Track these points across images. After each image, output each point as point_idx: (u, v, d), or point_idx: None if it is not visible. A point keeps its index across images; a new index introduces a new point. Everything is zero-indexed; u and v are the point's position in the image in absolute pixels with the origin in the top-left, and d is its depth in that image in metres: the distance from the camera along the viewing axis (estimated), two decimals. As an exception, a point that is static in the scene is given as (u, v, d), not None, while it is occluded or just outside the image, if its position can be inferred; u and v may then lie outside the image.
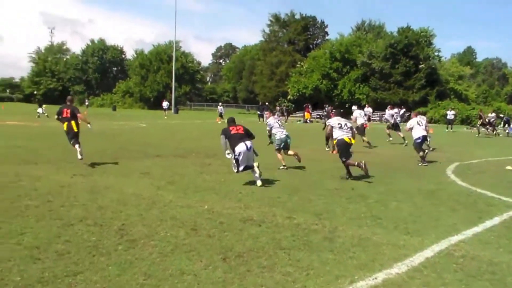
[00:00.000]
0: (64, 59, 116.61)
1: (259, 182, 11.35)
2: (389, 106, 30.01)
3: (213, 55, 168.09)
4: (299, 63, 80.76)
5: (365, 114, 27.20)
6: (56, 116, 14.81)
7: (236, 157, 11.46)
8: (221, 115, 49.40)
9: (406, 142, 22.36)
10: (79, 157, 13.76)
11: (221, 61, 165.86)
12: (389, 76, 66.53)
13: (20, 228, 7.09)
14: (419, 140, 16.81)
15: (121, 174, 12.50)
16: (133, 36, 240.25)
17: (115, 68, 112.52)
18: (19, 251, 6.11)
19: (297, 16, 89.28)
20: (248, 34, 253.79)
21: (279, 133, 14.38)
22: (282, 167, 14.32)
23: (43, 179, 11.33)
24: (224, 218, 8.10)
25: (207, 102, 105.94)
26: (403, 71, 65.35)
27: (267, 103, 63.96)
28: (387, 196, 10.70)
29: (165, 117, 50.94)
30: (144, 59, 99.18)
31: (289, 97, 77.18)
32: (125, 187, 10.62)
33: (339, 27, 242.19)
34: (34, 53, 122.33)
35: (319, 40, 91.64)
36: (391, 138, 25.20)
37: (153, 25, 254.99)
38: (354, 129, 13.99)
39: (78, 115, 14.32)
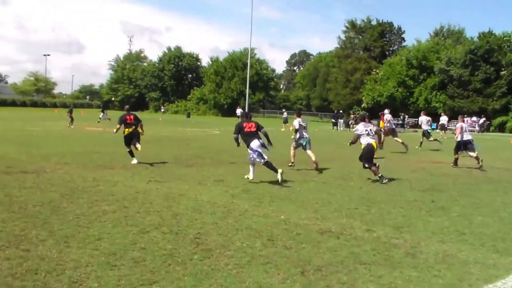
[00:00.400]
0: (142, 67, 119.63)
1: (251, 176, 12.81)
2: (422, 112, 30.78)
3: (287, 62, 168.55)
4: (374, 70, 79.54)
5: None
6: (119, 122, 16.15)
7: (256, 150, 12.52)
8: (285, 122, 48.82)
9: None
10: (138, 147, 15.52)
11: (295, 68, 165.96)
12: (468, 84, 64.37)
13: (97, 233, 7.11)
14: (463, 143, 17.73)
15: (196, 181, 12.47)
16: (208, 43, 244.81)
17: (190, 75, 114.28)
18: (96, 256, 6.09)
19: (374, 22, 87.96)
20: (323, 41, 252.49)
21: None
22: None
23: (120, 185, 11.46)
24: (301, 229, 7.86)
25: (280, 109, 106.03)
26: (483, 78, 63.06)
27: (341, 111, 63.24)
28: (470, 209, 10.15)
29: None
30: (219, 66, 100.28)
31: (363, 105, 76.06)
32: (200, 194, 10.56)
33: (416, 33, 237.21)
34: (113, 61, 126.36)
35: (396, 47, 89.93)
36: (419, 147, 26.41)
37: (228, 32, 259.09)
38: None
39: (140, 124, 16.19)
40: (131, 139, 15.67)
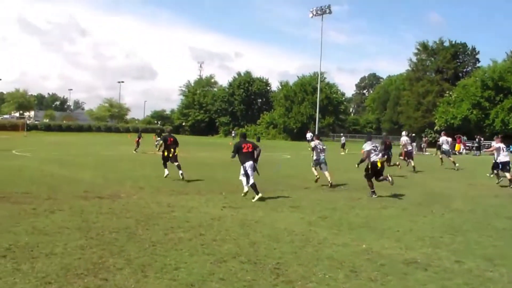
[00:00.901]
0: (212, 92, 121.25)
1: (245, 188, 13.98)
2: (442, 132, 32.52)
3: (357, 85, 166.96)
4: (447, 92, 77.32)
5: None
6: (162, 144, 18.86)
7: (246, 170, 13.89)
8: (343, 146, 47.60)
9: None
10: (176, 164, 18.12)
11: (364, 91, 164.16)
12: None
13: (174, 263, 6.94)
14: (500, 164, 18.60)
15: (270, 207, 12.20)
16: (277, 67, 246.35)
17: (260, 100, 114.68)
18: (174, 287, 5.90)
19: (446, 44, 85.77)
20: (393, 64, 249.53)
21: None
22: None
23: (195, 211, 11.34)
24: (384, 259, 7.43)
25: (350, 133, 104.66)
26: None
27: (413, 134, 61.71)
28: None
29: (309, 149, 49.90)
30: (289, 91, 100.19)
31: (436, 128, 73.96)
32: (276, 221, 10.27)
33: (491, 53, 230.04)
34: (184, 87, 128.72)
35: (469, 68, 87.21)
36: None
37: (296, 57, 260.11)
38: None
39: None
40: (167, 160, 18.14)
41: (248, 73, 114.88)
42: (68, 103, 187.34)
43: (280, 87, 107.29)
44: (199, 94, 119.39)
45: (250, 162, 13.93)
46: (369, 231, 9.59)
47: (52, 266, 6.67)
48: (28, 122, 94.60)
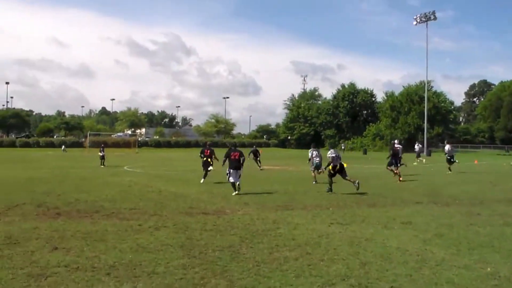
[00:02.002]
0: (316, 105, 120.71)
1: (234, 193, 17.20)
2: (446, 141, 34.23)
3: (466, 93, 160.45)
4: None
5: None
6: (200, 155, 23.12)
7: (228, 173, 17.93)
8: (418, 156, 44.02)
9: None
10: (210, 168, 22.64)
11: (475, 99, 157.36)
12: None
13: (279, 285, 6.55)
14: None
15: (381, 223, 11.48)
16: (381, 78, 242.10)
17: (365, 111, 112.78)
18: (279, 314, 5.47)
19: None
20: (506, 69, 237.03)
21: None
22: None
23: (300, 227, 10.87)
24: (514, 286, 6.59)
25: (461, 143, 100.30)
26: None
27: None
28: None
29: (419, 161, 47.02)
30: (395, 101, 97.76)
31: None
32: (388, 239, 9.57)
33: None
34: (288, 100, 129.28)
35: None
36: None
37: (400, 66, 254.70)
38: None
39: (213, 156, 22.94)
40: (205, 166, 22.48)
41: (352, 85, 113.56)
42: (176, 120, 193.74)
43: (386, 98, 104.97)
44: (303, 107, 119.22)
45: (235, 170, 17.71)
46: (493, 251, 8.66)
47: (153, 286, 6.47)
48: (139, 139, 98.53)
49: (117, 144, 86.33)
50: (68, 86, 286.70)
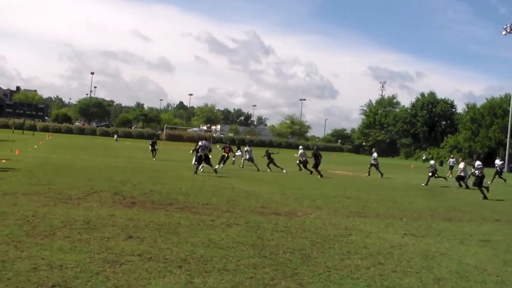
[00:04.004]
0: (394, 112, 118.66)
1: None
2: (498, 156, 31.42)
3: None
4: None
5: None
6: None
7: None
8: (499, 173, 40.34)
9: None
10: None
11: None
12: None
13: (349, 293, 6.40)
14: None
15: (457, 239, 11.10)
16: (461, 88, 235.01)
17: (444, 122, 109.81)
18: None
19: None
20: None
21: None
22: None
23: (373, 236, 10.67)
24: None
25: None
26: None
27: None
28: None
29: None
30: (476, 113, 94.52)
31: None
32: (464, 256, 9.22)
33: None
34: (365, 106, 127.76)
35: None
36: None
37: (483, 78, 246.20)
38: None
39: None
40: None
41: (431, 94, 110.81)
42: (251, 119, 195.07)
43: (466, 109, 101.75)
44: (380, 114, 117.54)
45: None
46: None
47: (223, 283, 6.48)
48: (214, 135, 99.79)
49: (192, 139, 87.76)
50: (148, 78, 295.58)
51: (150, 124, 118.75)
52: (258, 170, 29.79)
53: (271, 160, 31.03)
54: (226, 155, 30.47)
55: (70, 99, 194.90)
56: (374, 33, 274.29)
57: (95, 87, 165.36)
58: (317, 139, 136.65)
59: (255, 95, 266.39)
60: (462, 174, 26.92)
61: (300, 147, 32.64)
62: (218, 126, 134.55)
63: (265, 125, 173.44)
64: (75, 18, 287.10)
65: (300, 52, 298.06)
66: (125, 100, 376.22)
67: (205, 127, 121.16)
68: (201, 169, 24.47)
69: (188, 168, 27.04)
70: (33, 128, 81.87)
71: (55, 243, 7.83)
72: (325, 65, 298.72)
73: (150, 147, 35.34)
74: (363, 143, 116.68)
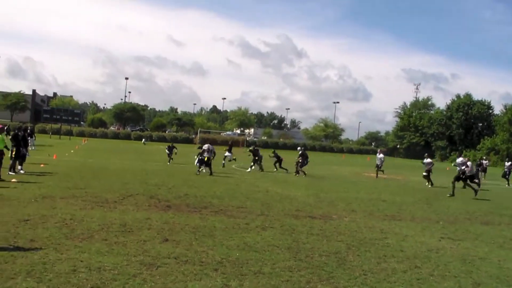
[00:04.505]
0: (429, 114, 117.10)
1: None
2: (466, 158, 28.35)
3: None
4: None
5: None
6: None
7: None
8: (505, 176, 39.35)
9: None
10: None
11: None
12: None
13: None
14: None
15: (496, 242, 10.90)
16: (498, 90, 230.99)
17: (481, 124, 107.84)
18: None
19: None
20: None
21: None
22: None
23: (409, 239, 10.55)
24: None
25: None
26: None
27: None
28: None
29: None
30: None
31: None
32: (505, 260, 9.04)
33: None
34: (399, 108, 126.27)
35: None
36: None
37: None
38: None
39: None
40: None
41: (467, 96, 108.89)
42: (285, 122, 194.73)
43: (504, 111, 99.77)
44: (415, 116, 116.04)
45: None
46: None
47: (259, 286, 6.50)
48: (247, 138, 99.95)
49: (225, 143, 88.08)
50: (181, 83, 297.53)
51: (184, 128, 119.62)
52: (262, 170, 30.06)
53: (278, 160, 31.01)
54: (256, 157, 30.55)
55: (105, 104, 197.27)
56: (407, 35, 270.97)
57: (129, 92, 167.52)
58: (350, 142, 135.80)
59: (288, 98, 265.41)
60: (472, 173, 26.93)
61: (298, 148, 32.08)
62: (252, 130, 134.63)
63: (299, 128, 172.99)
64: (109, 24, 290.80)
65: (333, 55, 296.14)
66: (159, 104, 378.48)
67: (238, 131, 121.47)
68: (203, 170, 24.80)
69: (222, 171, 27.17)
70: (69, 133, 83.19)
71: (93, 246, 7.94)
72: (358, 67, 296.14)
73: (167, 151, 34.23)
74: (398, 146, 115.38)
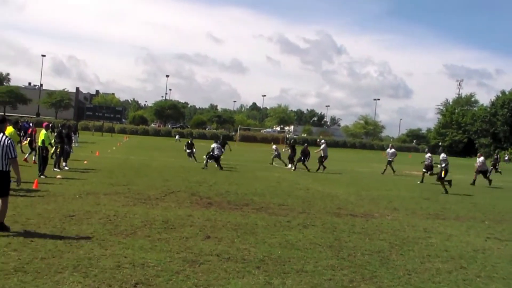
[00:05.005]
0: (472, 111, 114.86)
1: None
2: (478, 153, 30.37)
3: None
4: None
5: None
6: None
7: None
8: None
9: None
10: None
11: None
12: None
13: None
14: None
15: (545, 243, 10.61)
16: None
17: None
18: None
19: None
20: None
21: None
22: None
23: (454, 239, 10.35)
24: None
25: None
26: None
27: None
28: None
29: None
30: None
31: None
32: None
33: None
34: (441, 105, 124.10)
35: None
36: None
37: None
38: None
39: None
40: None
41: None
42: (325, 119, 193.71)
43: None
44: (457, 113, 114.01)
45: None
46: None
47: (302, 284, 6.46)
48: (287, 136, 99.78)
49: (265, 140, 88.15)
50: (221, 80, 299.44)
51: (224, 125, 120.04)
52: (286, 165, 30.31)
53: (295, 154, 30.48)
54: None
55: (146, 101, 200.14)
56: (449, 30, 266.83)
57: (170, 89, 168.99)
58: (391, 139, 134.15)
59: (327, 95, 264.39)
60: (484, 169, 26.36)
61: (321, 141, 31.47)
62: (292, 127, 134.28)
63: (339, 125, 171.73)
64: (150, 22, 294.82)
65: (373, 51, 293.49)
66: (199, 101, 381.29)
67: (278, 128, 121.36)
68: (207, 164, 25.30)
69: (263, 168, 27.20)
70: (111, 130, 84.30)
71: (136, 242, 8.03)
72: (399, 64, 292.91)
73: (185, 149, 32.19)
74: (440, 143, 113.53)
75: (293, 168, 28.43)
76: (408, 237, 10.19)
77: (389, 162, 30.57)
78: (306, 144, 31.64)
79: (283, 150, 34.23)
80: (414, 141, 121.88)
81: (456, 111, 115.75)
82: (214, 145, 26.11)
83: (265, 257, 7.67)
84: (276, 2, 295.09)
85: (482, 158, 26.89)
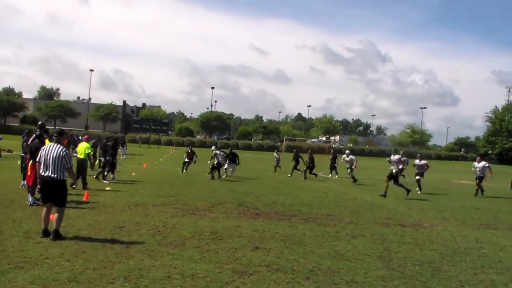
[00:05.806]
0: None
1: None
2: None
3: None
4: None
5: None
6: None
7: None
8: None
9: None
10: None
11: None
12: None
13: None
14: None
15: None
16: None
17: None
18: None
19: None
20: None
21: None
22: None
23: (508, 250, 10.11)
24: None
25: None
26: None
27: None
28: None
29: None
30: None
31: None
32: None
33: None
34: (490, 113, 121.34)
35: None
36: None
37: None
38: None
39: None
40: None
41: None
42: (370, 129, 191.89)
43: None
44: (507, 120, 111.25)
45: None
46: None
47: (353, 296, 6.40)
48: (333, 146, 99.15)
49: (311, 150, 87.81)
50: (265, 91, 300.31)
51: (270, 136, 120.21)
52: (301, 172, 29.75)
53: (297, 163, 30.86)
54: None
55: (191, 113, 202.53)
56: (496, 36, 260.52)
57: (215, 101, 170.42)
58: (438, 148, 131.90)
59: (372, 104, 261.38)
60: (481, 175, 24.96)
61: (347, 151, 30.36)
62: (337, 137, 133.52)
63: (385, 134, 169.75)
64: (193, 35, 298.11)
65: (418, 59, 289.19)
66: (244, 113, 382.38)
67: (324, 138, 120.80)
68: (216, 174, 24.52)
69: (309, 178, 27.11)
70: (158, 142, 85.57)
71: (186, 253, 8.11)
72: (444, 71, 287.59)
73: (185, 159, 30.03)
74: (489, 152, 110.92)
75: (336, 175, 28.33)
76: (460, 248, 9.99)
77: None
78: (310, 150, 31.54)
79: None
80: (462, 149, 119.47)
81: (506, 118, 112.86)
82: (216, 151, 24.86)
83: (314, 267, 7.64)
84: (317, 11, 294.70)
85: (481, 164, 25.86)
